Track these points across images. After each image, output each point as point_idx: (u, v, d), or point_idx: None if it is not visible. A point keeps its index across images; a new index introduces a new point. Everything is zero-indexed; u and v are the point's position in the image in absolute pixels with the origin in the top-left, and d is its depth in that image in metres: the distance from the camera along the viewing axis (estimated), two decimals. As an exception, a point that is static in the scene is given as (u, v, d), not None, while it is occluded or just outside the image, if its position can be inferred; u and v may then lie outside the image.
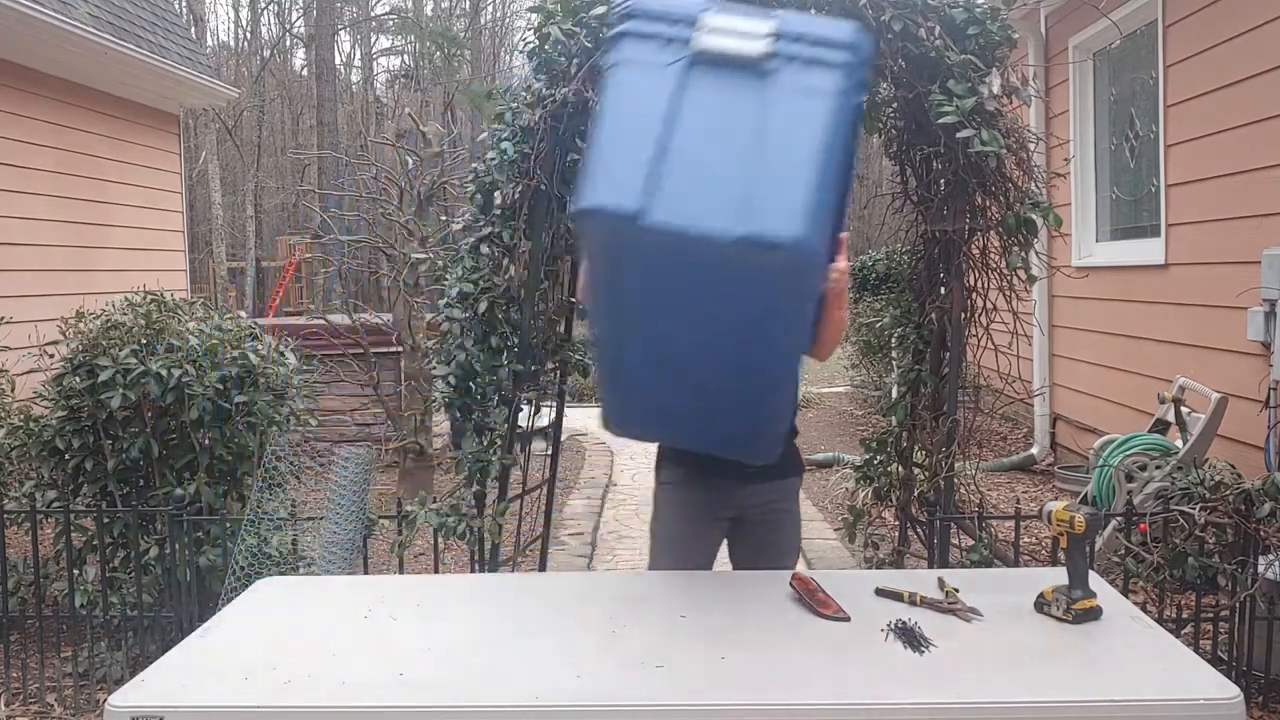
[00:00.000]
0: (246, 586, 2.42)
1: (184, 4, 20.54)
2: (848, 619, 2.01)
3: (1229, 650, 3.43)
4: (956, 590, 2.10)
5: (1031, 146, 3.50)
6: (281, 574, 3.47)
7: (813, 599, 2.09)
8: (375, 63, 36.11)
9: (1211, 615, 3.50)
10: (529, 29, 3.70)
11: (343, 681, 1.79)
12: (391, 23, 33.02)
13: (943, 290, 3.78)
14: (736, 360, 2.05)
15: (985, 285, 3.65)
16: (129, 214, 8.74)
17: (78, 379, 3.94)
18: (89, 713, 3.68)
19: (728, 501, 2.61)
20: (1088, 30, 6.50)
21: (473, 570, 3.64)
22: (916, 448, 4.00)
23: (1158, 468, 4.48)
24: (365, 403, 7.87)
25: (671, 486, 2.65)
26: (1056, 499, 3.00)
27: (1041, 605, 2.04)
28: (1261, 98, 4.67)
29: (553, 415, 4.22)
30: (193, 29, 20.60)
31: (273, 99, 33.00)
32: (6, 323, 4.81)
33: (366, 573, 3.66)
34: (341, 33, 32.35)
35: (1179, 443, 4.70)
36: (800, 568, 5.09)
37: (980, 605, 2.04)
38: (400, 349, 7.26)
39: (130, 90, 8.66)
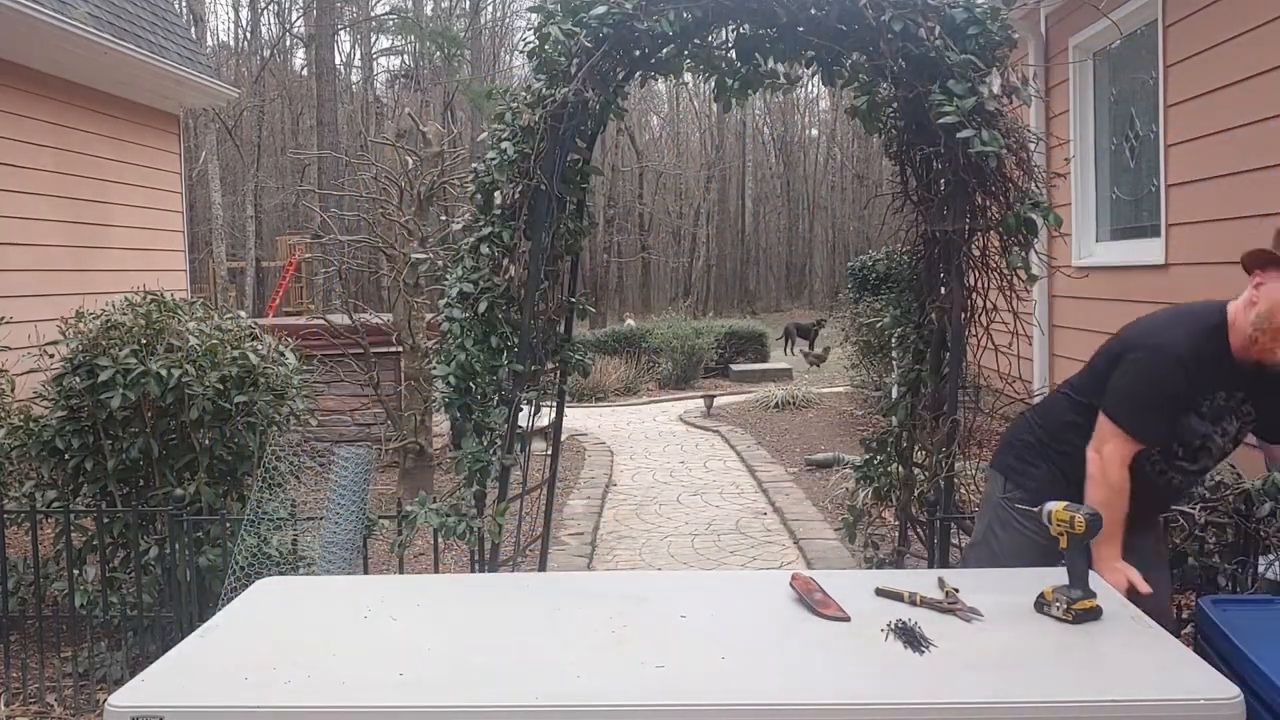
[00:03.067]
0: (246, 586, 2.42)
1: (184, 4, 20.53)
2: (848, 619, 2.01)
3: (1229, 650, 3.43)
4: (956, 590, 2.10)
5: (1031, 146, 3.50)
6: (281, 574, 3.47)
7: (812, 599, 2.09)
8: (375, 63, 36.11)
9: (1212, 615, 3.50)
10: (529, 29, 3.71)
11: (343, 681, 1.79)
12: (391, 23, 33.02)
13: (943, 290, 3.78)
14: None
15: (985, 285, 3.65)
16: (129, 214, 8.74)
17: (78, 379, 3.94)
18: (89, 713, 3.68)
19: None
20: (1088, 30, 6.50)
21: (473, 570, 3.64)
22: (916, 448, 4.00)
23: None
24: (365, 403, 7.87)
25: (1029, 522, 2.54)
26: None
27: (1041, 605, 2.04)
28: (1261, 98, 4.67)
29: (553, 415, 4.22)
30: (193, 29, 20.60)
31: (273, 99, 33.00)
32: (6, 323, 4.81)
33: (366, 573, 3.66)
34: (341, 33, 32.34)
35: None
36: (800, 568, 5.10)
37: (980, 605, 2.04)
38: (400, 349, 7.26)
39: (130, 90, 8.66)
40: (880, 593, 2.15)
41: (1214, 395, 2.39)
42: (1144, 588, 2.24)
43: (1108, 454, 2.39)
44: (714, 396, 11.66)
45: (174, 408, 3.94)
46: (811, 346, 20.50)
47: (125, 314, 4.14)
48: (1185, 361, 2.35)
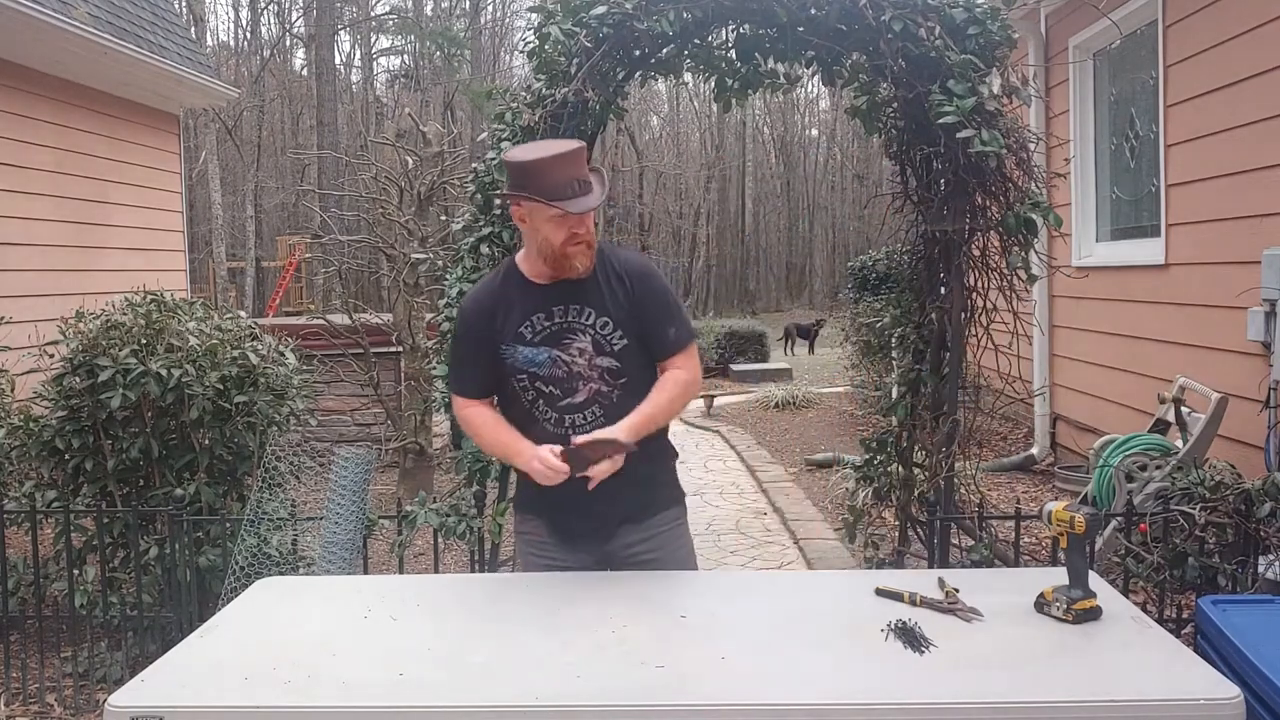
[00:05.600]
0: (246, 586, 2.42)
1: (184, 4, 20.53)
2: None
3: (1229, 650, 3.42)
4: (956, 590, 2.10)
5: (1031, 146, 3.50)
6: (281, 574, 3.47)
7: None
8: (375, 63, 36.09)
9: (1212, 615, 3.49)
10: (529, 29, 3.71)
11: (343, 681, 1.79)
12: (391, 23, 33.03)
13: (943, 290, 3.78)
14: None
15: (985, 285, 3.65)
16: (129, 214, 8.74)
17: (78, 379, 3.94)
18: (89, 713, 3.68)
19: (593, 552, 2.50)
20: (1088, 30, 6.50)
21: (473, 570, 3.64)
22: (916, 448, 4.00)
23: (1158, 468, 4.48)
24: (365, 403, 7.87)
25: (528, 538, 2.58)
26: (1056, 499, 3.00)
27: (1041, 605, 2.04)
28: (1262, 97, 4.67)
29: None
30: (193, 29, 20.60)
31: (273, 99, 32.98)
32: (6, 323, 4.81)
33: (366, 573, 3.66)
34: (341, 33, 32.34)
35: (1179, 443, 4.70)
36: (800, 568, 5.08)
37: (980, 605, 2.04)
38: (400, 349, 7.26)
39: (130, 90, 8.66)
40: (880, 593, 2.15)
41: (532, 320, 2.40)
42: (554, 463, 2.27)
43: (454, 409, 2.58)
44: (714, 396, 11.65)
45: (174, 408, 3.93)
46: (811, 348, 20.52)
47: (125, 314, 4.14)
48: (466, 314, 2.51)
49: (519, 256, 2.50)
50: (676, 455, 2.65)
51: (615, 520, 2.47)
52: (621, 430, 2.31)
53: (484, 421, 2.48)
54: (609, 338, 2.40)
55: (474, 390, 2.50)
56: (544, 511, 2.52)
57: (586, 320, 2.40)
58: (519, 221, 2.40)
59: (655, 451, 2.50)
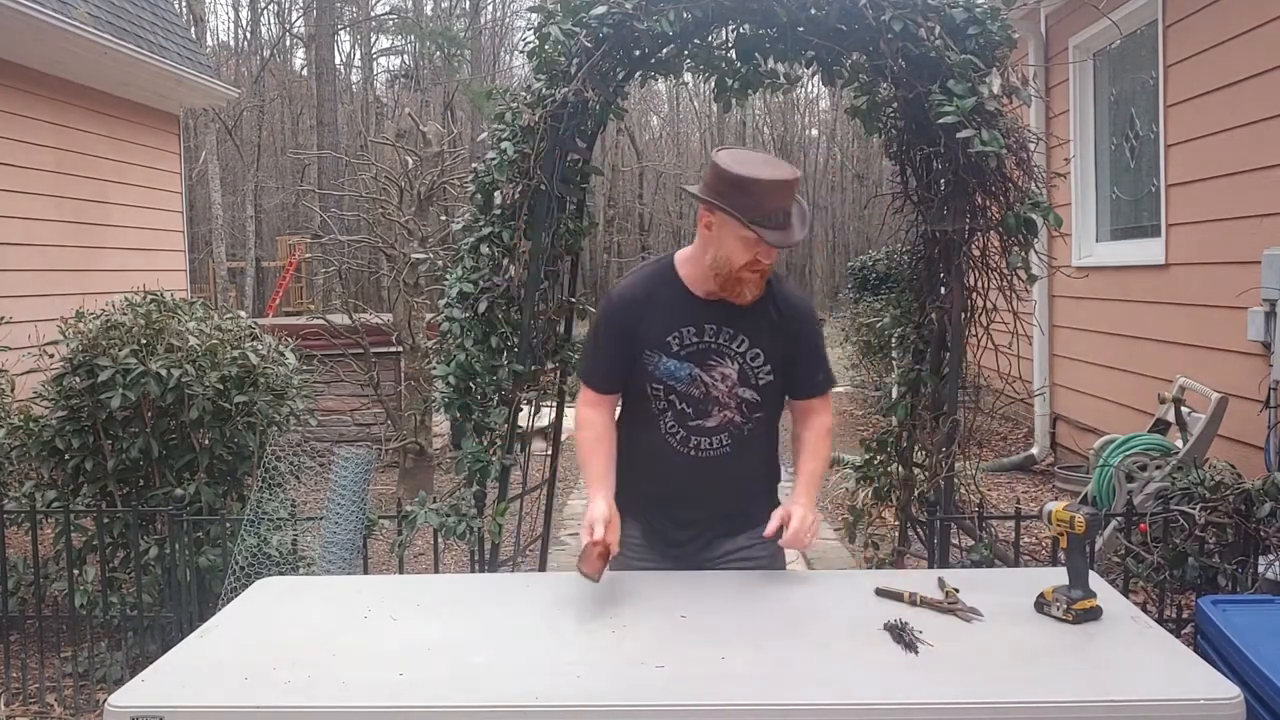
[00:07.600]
0: (246, 586, 2.42)
1: (184, 4, 20.53)
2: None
3: (1229, 650, 3.42)
4: (956, 590, 2.10)
5: (1031, 146, 3.50)
6: (281, 574, 3.47)
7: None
8: (375, 63, 36.08)
9: (1212, 615, 3.49)
10: (529, 29, 3.71)
11: (343, 681, 1.79)
12: (391, 23, 33.02)
13: (943, 290, 3.78)
14: None
15: (985, 285, 3.65)
16: (129, 214, 8.74)
17: (78, 379, 3.94)
18: (89, 713, 3.68)
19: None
20: (1088, 30, 6.50)
21: (473, 570, 3.64)
22: (916, 448, 4.00)
23: (1158, 468, 4.48)
24: (365, 403, 7.87)
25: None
26: (1056, 499, 3.00)
27: (1041, 605, 2.04)
28: (1262, 98, 4.67)
29: (553, 415, 4.22)
30: (193, 29, 20.59)
31: (273, 99, 32.96)
32: (6, 323, 4.81)
33: (366, 573, 3.66)
34: (341, 33, 32.32)
35: (1179, 443, 4.70)
36: (800, 568, 5.09)
37: (980, 605, 2.04)
38: (400, 349, 7.26)
39: (130, 90, 8.66)
40: (880, 593, 2.15)
41: (680, 331, 2.30)
42: (598, 533, 2.15)
43: (578, 402, 2.44)
44: (714, 396, 11.63)
45: (174, 408, 3.93)
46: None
47: (125, 314, 4.14)
48: (613, 305, 2.37)
49: (680, 257, 2.37)
50: (779, 477, 2.54)
51: (711, 532, 2.43)
52: (803, 506, 2.23)
53: (592, 432, 2.37)
54: (757, 370, 2.32)
55: (601, 383, 2.40)
56: (640, 515, 2.45)
57: (738, 347, 2.31)
58: (704, 227, 2.26)
59: (760, 471, 2.43)
